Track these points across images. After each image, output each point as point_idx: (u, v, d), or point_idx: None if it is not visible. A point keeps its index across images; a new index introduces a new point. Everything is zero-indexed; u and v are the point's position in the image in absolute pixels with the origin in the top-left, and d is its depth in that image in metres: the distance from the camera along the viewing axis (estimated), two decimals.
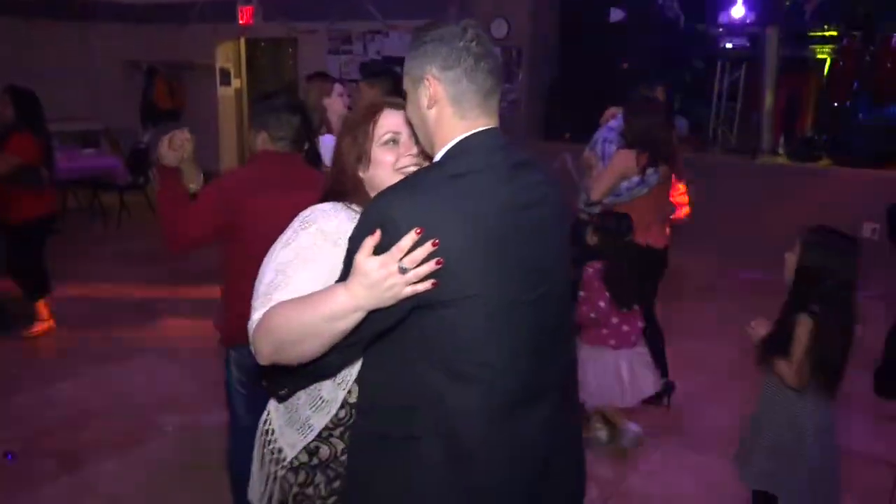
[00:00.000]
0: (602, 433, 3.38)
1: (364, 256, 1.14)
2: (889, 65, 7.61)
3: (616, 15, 7.11)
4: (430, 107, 1.30)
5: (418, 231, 1.13)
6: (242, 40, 10.44)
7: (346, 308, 1.17)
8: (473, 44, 1.29)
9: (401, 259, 1.13)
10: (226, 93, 10.52)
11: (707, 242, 5.87)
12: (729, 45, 7.45)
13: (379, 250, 1.15)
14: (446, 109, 1.28)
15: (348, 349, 1.26)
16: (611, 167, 3.49)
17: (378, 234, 1.15)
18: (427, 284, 1.16)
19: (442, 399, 1.23)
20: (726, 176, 6.41)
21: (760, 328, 2.25)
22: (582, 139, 6.98)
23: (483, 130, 1.29)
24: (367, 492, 1.33)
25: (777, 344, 2.17)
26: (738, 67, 7.54)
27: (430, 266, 1.15)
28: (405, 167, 1.45)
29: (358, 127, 1.51)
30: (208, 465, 2.83)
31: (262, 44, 10.58)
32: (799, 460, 2.20)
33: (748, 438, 2.37)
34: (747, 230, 6.16)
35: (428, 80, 1.29)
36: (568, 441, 1.43)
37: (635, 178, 3.44)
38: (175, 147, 2.25)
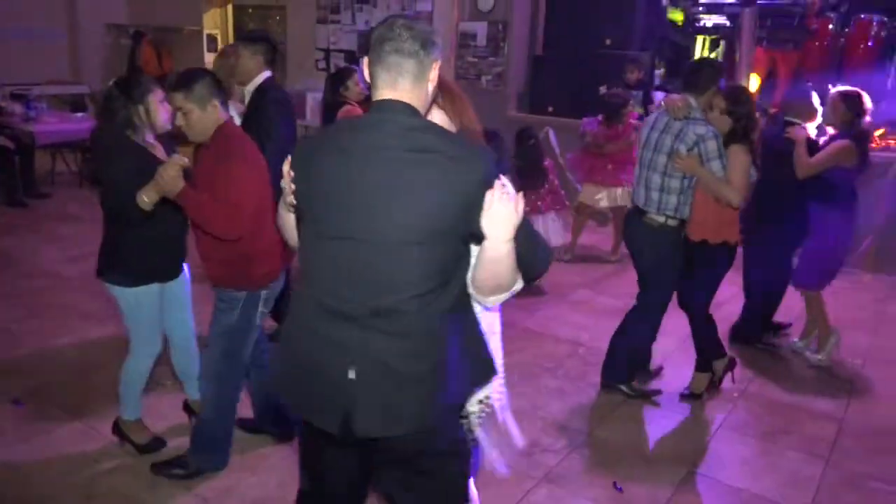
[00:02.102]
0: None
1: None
2: (862, 45, 7.86)
3: None
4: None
5: (288, 162, 1.68)
6: (230, 6, 10.42)
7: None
8: (384, 30, 1.60)
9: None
10: (212, 59, 10.53)
11: None
12: (709, 24, 7.64)
13: None
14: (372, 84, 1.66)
15: None
16: (743, 167, 3.28)
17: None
18: (291, 199, 1.69)
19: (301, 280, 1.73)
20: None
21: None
22: (565, 113, 7.20)
23: (380, 100, 1.62)
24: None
25: None
26: (717, 44, 7.74)
27: (288, 186, 1.68)
28: None
29: None
30: None
31: (250, 10, 10.57)
32: None
33: None
34: None
35: (363, 63, 1.68)
36: (381, 364, 1.59)
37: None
38: (169, 178, 2.44)
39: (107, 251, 2.81)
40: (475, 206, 1.53)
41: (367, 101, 3.17)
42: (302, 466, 1.88)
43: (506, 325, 2.02)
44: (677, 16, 8.14)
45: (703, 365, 3.69)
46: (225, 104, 2.63)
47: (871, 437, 3.43)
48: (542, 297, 4.97)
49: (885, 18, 7.85)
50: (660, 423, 3.50)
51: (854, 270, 5.62)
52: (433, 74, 1.65)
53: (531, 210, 4.82)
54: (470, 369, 1.74)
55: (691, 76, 3.38)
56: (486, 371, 1.82)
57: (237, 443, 3.00)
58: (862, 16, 7.90)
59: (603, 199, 5.68)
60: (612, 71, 6.92)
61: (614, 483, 2.96)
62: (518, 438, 2.09)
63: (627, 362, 3.70)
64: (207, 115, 2.54)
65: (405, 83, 1.60)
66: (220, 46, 10.55)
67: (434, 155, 1.55)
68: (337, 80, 4.50)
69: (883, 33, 7.88)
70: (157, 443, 3.05)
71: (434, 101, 1.77)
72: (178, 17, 9.97)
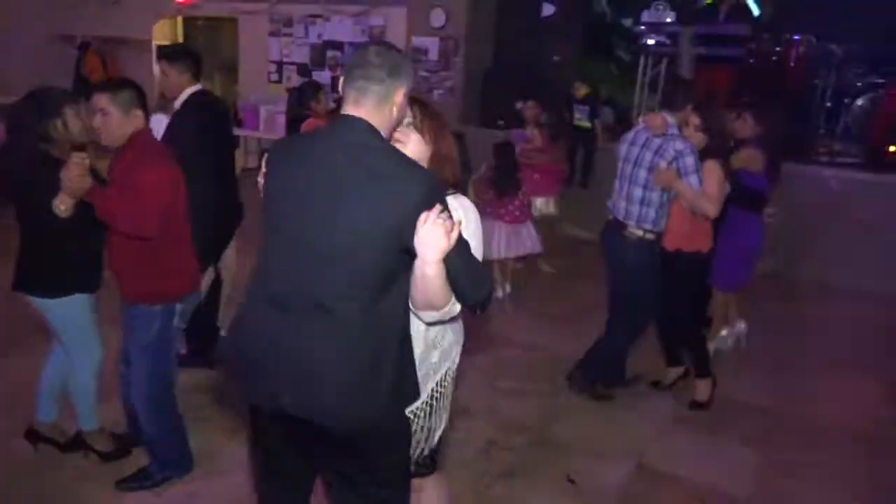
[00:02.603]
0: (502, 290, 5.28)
1: None
2: (792, 63, 8.35)
3: (547, 10, 7.51)
4: None
5: (266, 160, 1.85)
6: (180, 18, 10.37)
7: None
8: (357, 55, 1.78)
9: None
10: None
11: None
12: (651, 42, 7.99)
13: None
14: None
15: None
16: (719, 181, 3.48)
17: None
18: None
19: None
20: None
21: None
22: (515, 126, 7.41)
23: (342, 115, 1.78)
24: None
25: None
26: (660, 62, 8.10)
27: (259, 183, 1.86)
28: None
29: None
30: None
31: (200, 22, 10.54)
32: None
33: None
34: None
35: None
36: (313, 354, 1.74)
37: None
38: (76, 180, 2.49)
39: (28, 265, 2.78)
40: (409, 225, 1.64)
41: (332, 115, 3.28)
42: (252, 456, 1.99)
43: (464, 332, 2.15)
44: None
45: (701, 371, 3.82)
46: (147, 116, 2.73)
47: (805, 429, 3.69)
48: (501, 305, 5.13)
49: (814, 39, 8.37)
50: (611, 419, 3.67)
51: (783, 273, 5.97)
52: (398, 98, 1.78)
53: (511, 220, 5.12)
54: (398, 378, 1.81)
55: (668, 95, 3.57)
56: (411, 391, 1.90)
57: (207, 444, 3.05)
58: (794, 37, 8.42)
59: (535, 208, 5.84)
60: (559, 86, 7.18)
61: (568, 476, 3.11)
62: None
63: (601, 369, 3.84)
64: (128, 121, 2.62)
65: (368, 103, 1.74)
66: None
67: (376, 172, 1.69)
68: (306, 94, 4.58)
69: (810, 52, 8.41)
70: (123, 448, 3.06)
71: (413, 125, 1.91)
72: (127, 28, 9.87)
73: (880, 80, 7.76)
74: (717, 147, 3.55)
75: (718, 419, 3.71)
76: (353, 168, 1.69)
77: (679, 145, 3.41)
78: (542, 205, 5.80)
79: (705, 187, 3.42)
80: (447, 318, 1.84)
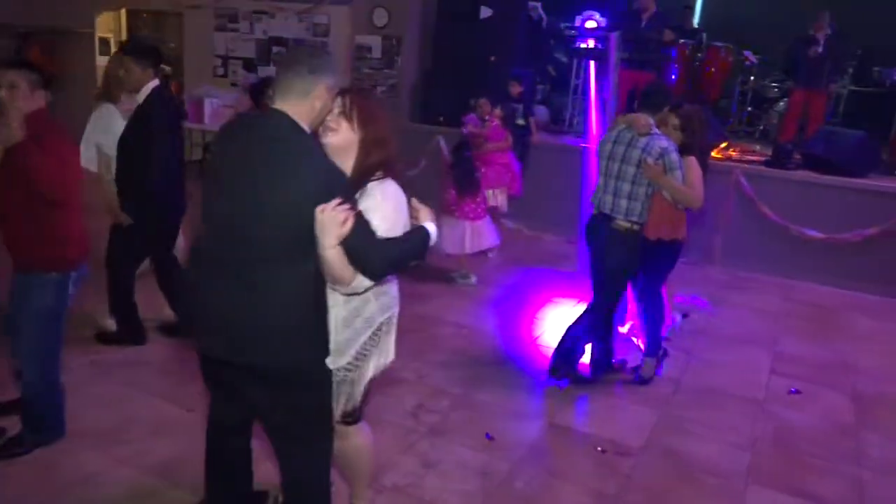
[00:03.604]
0: (466, 277, 5.67)
1: None
2: (712, 69, 8.94)
3: (486, 12, 7.87)
4: None
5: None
6: (124, 11, 10.38)
7: None
8: (288, 55, 2.24)
9: None
10: (105, 63, 10.41)
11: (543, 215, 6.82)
12: (583, 45, 8.44)
13: None
14: None
15: None
16: (699, 174, 3.81)
17: None
18: None
19: None
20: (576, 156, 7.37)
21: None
22: (455, 123, 7.76)
23: (270, 108, 2.09)
24: None
25: None
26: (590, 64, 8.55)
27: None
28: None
29: None
30: None
31: (145, 15, 10.57)
32: None
33: None
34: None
35: None
36: (236, 305, 2.08)
37: None
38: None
39: None
40: (306, 209, 1.98)
41: (264, 106, 3.56)
42: (206, 394, 2.38)
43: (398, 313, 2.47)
44: None
45: (652, 350, 4.18)
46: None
47: (699, 393, 4.13)
48: (433, 289, 5.46)
49: (733, 46, 8.99)
50: (527, 386, 4.06)
51: (702, 263, 6.49)
52: (319, 92, 2.09)
53: (474, 217, 5.55)
54: (309, 333, 2.16)
55: (648, 97, 3.89)
56: (324, 344, 2.23)
57: (145, 409, 3.29)
58: (716, 43, 9.02)
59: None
60: (496, 85, 7.53)
61: (486, 433, 3.47)
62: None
63: (594, 362, 4.11)
64: (33, 100, 2.87)
65: (291, 98, 2.08)
66: (112, 50, 10.48)
67: (282, 160, 2.02)
68: (259, 91, 4.77)
69: (731, 59, 9.03)
70: None
71: (343, 114, 2.21)
72: (69, 19, 9.84)
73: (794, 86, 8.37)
74: (693, 144, 3.87)
75: (629, 389, 4.13)
76: (265, 155, 2.03)
77: (664, 143, 3.70)
78: (489, 196, 6.13)
79: (689, 181, 3.75)
80: (359, 290, 2.17)
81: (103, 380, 3.72)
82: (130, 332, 4.13)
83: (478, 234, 5.60)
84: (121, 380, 3.73)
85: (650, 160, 3.69)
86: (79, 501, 2.79)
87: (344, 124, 2.23)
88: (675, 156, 3.71)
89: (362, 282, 2.13)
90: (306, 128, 2.10)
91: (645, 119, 3.76)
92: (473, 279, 5.73)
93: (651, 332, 4.20)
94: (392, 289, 2.41)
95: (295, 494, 2.38)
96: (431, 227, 2.29)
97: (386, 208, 2.22)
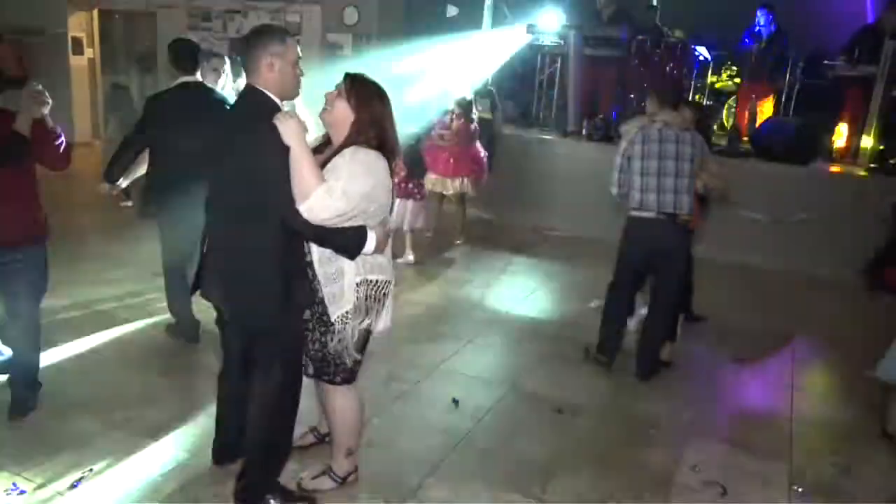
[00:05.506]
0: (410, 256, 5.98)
1: None
2: (670, 64, 9.31)
3: (451, 11, 8.19)
4: None
5: None
6: (96, 11, 10.50)
7: None
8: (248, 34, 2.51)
9: None
10: (78, 62, 10.54)
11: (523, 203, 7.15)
12: (547, 43, 8.79)
13: None
14: None
15: None
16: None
17: None
18: None
19: None
20: (543, 149, 7.71)
21: None
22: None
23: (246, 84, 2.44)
24: None
25: None
26: (555, 62, 8.91)
27: None
28: None
29: None
30: None
31: (117, 15, 10.69)
32: None
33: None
34: (559, 193, 7.51)
35: None
36: (221, 260, 2.49)
37: None
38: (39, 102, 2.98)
39: None
40: (258, 166, 2.30)
41: None
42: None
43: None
44: None
45: (672, 335, 4.31)
46: None
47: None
48: (403, 273, 5.75)
49: (688, 42, 9.37)
50: (490, 358, 4.38)
51: None
52: (268, 60, 2.34)
53: (421, 198, 6.04)
54: (285, 288, 2.43)
55: (666, 94, 4.10)
56: (307, 294, 2.53)
57: (136, 376, 3.55)
58: (672, 39, 9.38)
59: (446, 187, 6.54)
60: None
61: (453, 398, 3.77)
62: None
63: (656, 352, 4.21)
64: None
65: (250, 71, 2.39)
66: (85, 50, 10.60)
67: (241, 126, 2.39)
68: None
69: (686, 55, 9.41)
70: None
71: (341, 95, 2.50)
72: (42, 19, 9.93)
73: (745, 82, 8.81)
74: (706, 136, 4.11)
75: (560, 353, 4.49)
76: (233, 125, 2.47)
77: (698, 135, 3.88)
78: (460, 184, 6.52)
79: (716, 170, 4.02)
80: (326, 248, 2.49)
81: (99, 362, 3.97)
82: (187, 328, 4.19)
83: (416, 214, 5.98)
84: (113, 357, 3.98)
85: (699, 153, 3.88)
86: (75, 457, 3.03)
87: (340, 104, 2.50)
88: (707, 147, 3.98)
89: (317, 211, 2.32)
90: (273, 95, 2.39)
91: (691, 114, 4.00)
92: (411, 257, 6.06)
93: (673, 319, 4.35)
94: (372, 258, 2.56)
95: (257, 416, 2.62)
96: (372, 234, 2.47)
97: (354, 168, 2.37)
